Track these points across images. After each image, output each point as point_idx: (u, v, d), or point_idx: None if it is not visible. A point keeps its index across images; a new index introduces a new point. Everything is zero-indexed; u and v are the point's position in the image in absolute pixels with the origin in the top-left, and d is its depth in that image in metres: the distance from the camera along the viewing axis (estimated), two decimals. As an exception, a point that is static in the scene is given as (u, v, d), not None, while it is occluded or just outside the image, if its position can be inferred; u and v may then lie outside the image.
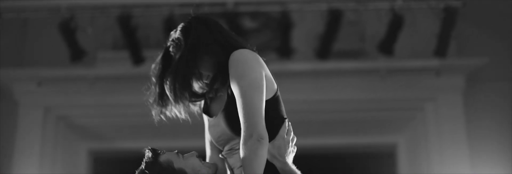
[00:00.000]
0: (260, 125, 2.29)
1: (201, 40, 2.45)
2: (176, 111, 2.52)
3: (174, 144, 5.42)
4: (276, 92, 2.46)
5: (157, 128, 6.32)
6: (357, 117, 6.01)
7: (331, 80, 5.90)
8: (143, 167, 2.44)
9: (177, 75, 2.43)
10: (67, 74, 5.97)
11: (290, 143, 2.41)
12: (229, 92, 2.41)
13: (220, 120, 2.45)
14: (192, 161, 2.50)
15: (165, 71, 2.48)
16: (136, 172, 2.43)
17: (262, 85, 2.37)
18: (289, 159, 2.39)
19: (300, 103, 5.76)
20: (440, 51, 5.69)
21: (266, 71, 2.42)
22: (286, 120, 2.44)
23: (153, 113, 2.53)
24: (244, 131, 2.30)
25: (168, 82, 2.46)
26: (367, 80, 5.91)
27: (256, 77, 2.35)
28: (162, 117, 2.54)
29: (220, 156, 2.48)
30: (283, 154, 2.38)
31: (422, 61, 5.89)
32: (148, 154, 2.46)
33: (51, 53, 6.12)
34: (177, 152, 2.49)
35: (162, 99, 2.50)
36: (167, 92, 2.47)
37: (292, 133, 2.45)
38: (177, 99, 2.47)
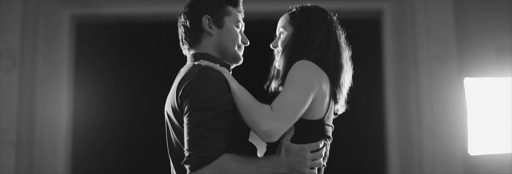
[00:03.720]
0: (283, 125, 2.31)
1: (310, 38, 2.68)
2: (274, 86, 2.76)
3: (157, 9, 5.42)
4: (323, 117, 2.48)
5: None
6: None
7: None
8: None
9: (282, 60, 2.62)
10: None
11: (304, 161, 2.36)
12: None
13: None
14: (239, 35, 2.66)
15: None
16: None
17: (310, 89, 2.41)
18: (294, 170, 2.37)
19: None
20: None
21: (321, 88, 2.46)
22: (319, 143, 2.42)
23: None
24: (268, 116, 2.31)
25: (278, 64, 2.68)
26: None
27: (309, 81, 2.42)
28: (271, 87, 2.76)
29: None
30: (289, 161, 2.36)
31: None
32: None
33: None
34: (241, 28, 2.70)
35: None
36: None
37: (319, 159, 2.42)
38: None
